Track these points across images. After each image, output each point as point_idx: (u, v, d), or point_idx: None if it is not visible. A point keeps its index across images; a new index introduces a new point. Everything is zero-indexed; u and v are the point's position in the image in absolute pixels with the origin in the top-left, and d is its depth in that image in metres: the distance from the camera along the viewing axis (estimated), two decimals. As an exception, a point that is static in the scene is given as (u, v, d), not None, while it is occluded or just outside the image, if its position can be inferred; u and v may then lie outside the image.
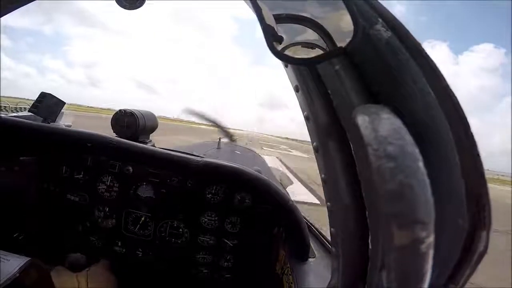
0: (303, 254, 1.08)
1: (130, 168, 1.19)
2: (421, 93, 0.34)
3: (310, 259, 1.08)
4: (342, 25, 0.35)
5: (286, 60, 0.42)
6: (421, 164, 0.27)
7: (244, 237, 1.22)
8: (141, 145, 1.24)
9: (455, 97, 0.34)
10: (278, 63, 0.45)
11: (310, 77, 0.45)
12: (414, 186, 0.26)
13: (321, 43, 0.38)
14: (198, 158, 1.20)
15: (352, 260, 0.45)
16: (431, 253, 0.27)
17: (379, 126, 0.29)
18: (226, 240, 1.22)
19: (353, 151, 0.40)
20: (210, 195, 1.19)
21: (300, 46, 0.39)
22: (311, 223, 1.39)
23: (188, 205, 1.20)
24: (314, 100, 0.45)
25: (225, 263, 1.24)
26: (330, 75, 0.42)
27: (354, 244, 0.44)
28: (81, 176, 1.21)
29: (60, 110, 1.40)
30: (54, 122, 1.38)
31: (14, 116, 1.30)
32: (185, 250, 1.23)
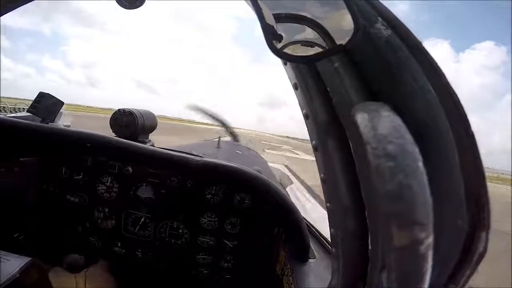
0: (303, 255, 1.08)
1: (130, 168, 1.19)
2: (422, 91, 0.33)
3: (310, 260, 1.08)
4: (341, 24, 0.35)
5: (285, 58, 0.42)
6: (420, 163, 0.27)
7: (244, 238, 1.22)
8: (140, 145, 1.24)
9: (456, 95, 0.33)
10: (278, 61, 0.44)
11: (309, 75, 0.45)
12: (413, 187, 0.26)
13: (321, 41, 0.38)
14: (198, 158, 1.20)
15: (352, 261, 0.44)
16: (430, 253, 0.26)
17: (378, 124, 0.29)
18: (226, 241, 1.22)
19: (352, 150, 0.40)
20: (209, 195, 1.19)
21: (299, 44, 0.39)
22: (311, 224, 1.38)
23: (188, 206, 1.20)
24: (313, 98, 0.45)
25: (225, 264, 1.24)
26: (329, 73, 0.42)
27: (354, 245, 0.43)
28: (81, 176, 1.20)
29: (59, 110, 1.40)
30: (53, 122, 1.37)
31: (13, 117, 1.30)
32: (185, 251, 1.23)
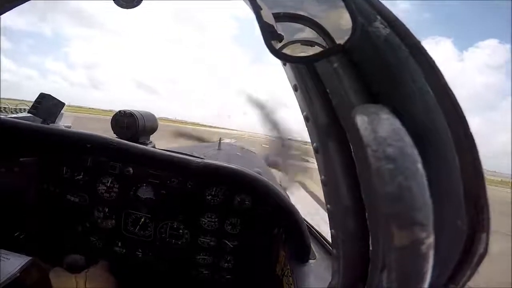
0: (303, 256, 1.07)
1: (130, 169, 1.19)
2: (420, 93, 0.33)
3: (310, 261, 1.07)
4: (340, 23, 0.35)
5: (284, 58, 0.42)
6: (420, 165, 0.27)
7: (244, 239, 1.22)
8: (141, 146, 1.24)
9: (454, 96, 0.33)
10: (278, 60, 0.44)
11: (308, 76, 0.45)
12: (413, 188, 0.26)
13: (320, 41, 0.37)
14: (198, 160, 1.20)
15: (352, 261, 0.44)
16: (431, 253, 0.26)
17: (378, 126, 0.29)
18: (226, 241, 1.22)
19: (352, 152, 0.40)
20: (210, 196, 1.19)
21: (299, 44, 0.39)
22: (311, 225, 1.38)
23: (188, 206, 1.20)
24: (313, 100, 0.45)
25: (225, 264, 1.24)
26: (328, 74, 0.41)
27: (354, 245, 0.43)
28: (81, 177, 1.21)
29: (60, 111, 1.41)
30: (54, 123, 1.38)
31: (14, 118, 1.30)
32: (185, 251, 1.23)
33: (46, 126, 1.28)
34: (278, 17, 0.37)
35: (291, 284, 0.97)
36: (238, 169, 1.19)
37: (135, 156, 1.20)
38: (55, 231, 1.24)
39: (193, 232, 1.22)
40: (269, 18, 0.36)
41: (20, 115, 1.51)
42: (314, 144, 0.48)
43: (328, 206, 0.49)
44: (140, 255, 1.24)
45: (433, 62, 0.34)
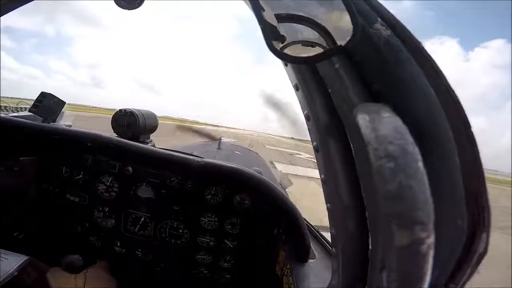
0: (303, 255, 1.07)
1: (130, 168, 1.19)
2: (422, 92, 0.33)
3: (310, 260, 1.07)
4: (342, 24, 0.35)
5: (285, 58, 0.42)
6: (420, 164, 0.27)
7: (244, 238, 1.22)
8: (141, 145, 1.24)
9: (456, 96, 0.33)
10: (280, 60, 0.44)
11: (310, 76, 0.45)
12: (414, 187, 0.26)
13: (321, 41, 0.38)
14: (198, 159, 1.20)
15: (352, 261, 0.44)
16: (431, 253, 0.26)
17: (379, 125, 0.29)
18: (226, 241, 1.22)
19: (353, 151, 0.40)
20: (210, 195, 1.19)
21: (300, 44, 0.39)
22: (311, 224, 1.38)
23: (188, 206, 1.20)
24: (314, 99, 0.45)
25: (225, 264, 1.24)
26: (330, 74, 0.42)
27: (354, 245, 0.43)
28: (81, 176, 1.21)
29: (61, 110, 1.41)
30: (55, 122, 1.38)
31: (14, 116, 1.30)
32: (185, 250, 1.23)
33: (46, 125, 1.28)
34: (280, 17, 0.37)
35: (291, 284, 0.97)
36: (238, 168, 1.19)
37: (135, 155, 1.19)
38: (54, 230, 1.24)
39: (192, 232, 1.22)
40: (271, 19, 0.36)
41: (20, 114, 1.51)
42: (314, 143, 0.48)
43: (328, 205, 0.49)
44: (139, 255, 1.24)
45: (434, 62, 0.34)
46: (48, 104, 1.35)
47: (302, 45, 0.39)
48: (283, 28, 0.38)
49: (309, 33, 0.39)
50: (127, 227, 1.22)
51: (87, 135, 1.20)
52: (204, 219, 1.20)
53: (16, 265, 0.91)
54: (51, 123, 1.34)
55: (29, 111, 1.37)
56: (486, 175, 0.34)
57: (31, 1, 0.70)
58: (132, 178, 1.20)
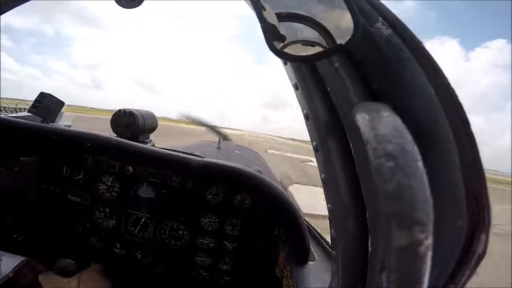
0: (303, 257, 1.07)
1: (130, 168, 1.18)
2: (422, 92, 0.33)
3: (309, 262, 1.07)
4: (342, 23, 0.35)
5: (285, 57, 0.42)
6: (420, 163, 0.27)
7: (244, 239, 1.21)
8: (140, 145, 1.24)
9: (456, 95, 0.33)
10: (280, 60, 0.44)
11: (309, 75, 0.45)
12: (413, 186, 0.25)
13: (321, 41, 0.38)
14: (199, 158, 1.20)
15: (352, 263, 0.44)
16: (430, 254, 0.26)
17: (379, 124, 0.29)
18: (226, 243, 1.21)
19: (352, 150, 0.40)
20: (210, 196, 1.19)
21: (300, 44, 0.39)
22: (311, 226, 1.38)
23: (188, 206, 1.20)
24: (314, 98, 0.45)
25: (225, 266, 1.23)
26: (329, 73, 0.42)
27: (354, 246, 0.43)
28: (81, 176, 1.20)
29: (60, 110, 1.40)
30: (54, 122, 1.38)
31: (13, 117, 1.30)
32: (184, 252, 1.23)
33: (46, 125, 1.28)
34: (280, 16, 0.37)
35: (290, 286, 0.97)
36: (239, 167, 1.18)
37: (135, 155, 1.19)
38: (55, 231, 1.24)
39: (192, 233, 1.21)
40: (272, 18, 0.36)
41: (20, 114, 1.51)
42: (314, 143, 0.48)
43: (329, 205, 0.49)
44: (139, 257, 1.24)
45: (435, 62, 0.34)
46: (47, 105, 1.35)
47: (302, 44, 0.39)
48: (283, 27, 0.38)
49: (309, 33, 0.39)
50: (128, 228, 1.22)
51: (87, 135, 1.19)
52: (204, 219, 1.20)
53: (11, 266, 0.90)
54: (50, 123, 1.34)
55: (28, 111, 1.37)
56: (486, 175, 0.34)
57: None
58: (133, 178, 1.19)
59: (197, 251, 1.23)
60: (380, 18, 0.36)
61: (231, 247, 1.22)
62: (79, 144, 1.18)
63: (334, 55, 0.39)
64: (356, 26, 0.33)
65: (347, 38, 0.34)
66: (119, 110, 1.36)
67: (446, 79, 0.34)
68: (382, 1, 0.38)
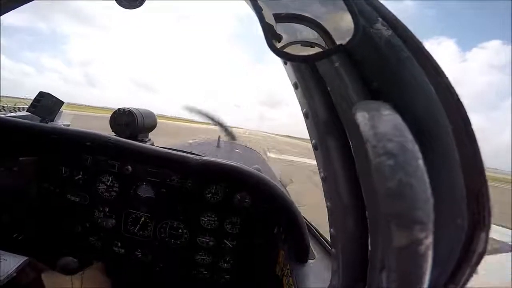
0: (303, 256, 1.07)
1: (129, 167, 1.18)
2: (422, 90, 0.33)
3: (310, 261, 1.07)
4: (342, 24, 0.35)
5: (286, 57, 0.42)
6: (421, 162, 0.26)
7: (244, 238, 1.21)
8: (139, 144, 1.24)
9: (457, 94, 0.33)
10: (279, 59, 0.44)
11: (309, 74, 0.45)
12: (414, 185, 0.25)
13: (321, 41, 0.38)
14: (198, 157, 1.19)
15: (352, 261, 0.44)
16: (430, 253, 0.26)
17: (378, 122, 0.28)
18: (225, 241, 1.22)
19: (352, 149, 0.40)
20: (210, 194, 1.19)
21: (299, 44, 0.39)
22: (311, 224, 1.38)
23: (188, 205, 1.20)
24: (314, 97, 0.45)
25: (225, 265, 1.24)
26: (329, 72, 0.42)
27: (354, 245, 0.43)
28: (81, 176, 1.20)
29: (59, 110, 1.40)
30: (53, 121, 1.37)
31: (12, 116, 1.30)
32: (184, 251, 1.23)
33: (45, 124, 1.27)
34: (280, 17, 0.37)
35: (291, 285, 0.97)
36: (238, 166, 1.18)
37: (134, 154, 1.19)
38: (55, 231, 1.24)
39: (192, 232, 1.21)
40: (270, 19, 0.36)
41: (19, 113, 1.51)
42: (313, 141, 0.48)
43: (328, 203, 0.49)
44: (139, 255, 1.24)
45: (435, 61, 0.34)
46: (46, 104, 1.35)
47: (301, 45, 0.39)
48: (283, 28, 0.38)
49: (309, 33, 0.39)
50: (127, 227, 1.22)
51: (86, 134, 1.19)
52: (204, 218, 1.20)
53: (15, 266, 0.90)
54: (49, 123, 1.34)
55: (27, 110, 1.37)
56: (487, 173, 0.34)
57: (30, 0, 0.69)
58: (132, 177, 1.19)
59: (197, 249, 1.23)
60: (380, 19, 0.36)
61: (231, 246, 1.22)
62: (79, 144, 1.18)
63: (334, 54, 0.39)
64: (356, 27, 0.33)
65: (348, 38, 0.34)
66: (118, 109, 1.36)
67: (446, 78, 0.34)
68: (382, 1, 0.38)
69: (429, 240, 0.26)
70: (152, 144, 1.40)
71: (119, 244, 1.24)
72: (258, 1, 0.35)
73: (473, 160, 0.33)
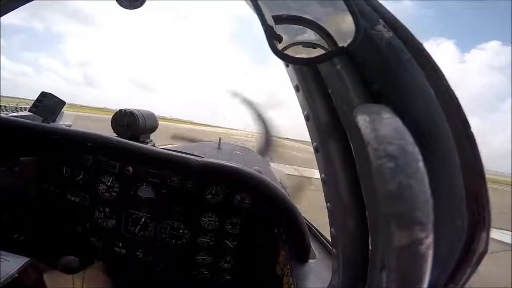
0: (303, 255, 1.07)
1: (130, 168, 1.18)
2: (422, 93, 0.34)
3: (310, 260, 1.07)
4: (343, 26, 0.35)
5: (287, 60, 0.42)
6: (421, 164, 0.27)
7: (244, 238, 1.21)
8: (141, 145, 1.24)
9: (456, 97, 0.34)
10: (279, 61, 0.45)
11: (311, 77, 0.45)
12: (414, 187, 0.26)
13: (322, 43, 0.38)
14: (198, 158, 1.19)
15: (352, 261, 0.45)
16: (430, 253, 0.27)
17: (379, 125, 0.29)
18: (226, 241, 1.22)
19: (353, 151, 0.40)
20: (210, 195, 1.19)
21: (301, 46, 0.39)
22: (311, 224, 1.38)
23: (188, 206, 1.20)
24: (315, 100, 0.45)
25: (225, 265, 1.24)
26: (331, 75, 0.42)
27: (354, 245, 0.44)
28: (81, 176, 1.20)
29: (61, 110, 1.40)
30: (54, 122, 1.38)
31: (14, 116, 1.30)
32: (185, 251, 1.23)
33: (46, 125, 1.27)
34: (282, 19, 0.37)
35: (291, 284, 0.97)
36: (238, 167, 1.18)
37: (135, 155, 1.19)
38: (55, 231, 1.24)
39: (193, 232, 1.21)
40: (271, 21, 0.36)
41: (20, 113, 1.51)
42: (314, 143, 0.48)
43: (328, 204, 0.49)
44: (140, 256, 1.24)
45: (435, 64, 0.34)
46: (48, 104, 1.35)
47: (303, 46, 0.39)
48: (284, 30, 0.38)
49: (310, 35, 0.39)
50: (128, 227, 1.22)
51: (87, 135, 1.19)
52: (204, 219, 1.20)
53: (16, 267, 0.91)
54: (51, 123, 1.34)
55: (29, 111, 1.37)
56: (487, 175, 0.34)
57: (30, 1, 0.70)
58: (133, 178, 1.19)
59: (197, 249, 1.23)
60: (381, 21, 0.36)
61: (231, 246, 1.22)
62: (80, 144, 1.18)
63: (336, 57, 0.39)
64: (357, 29, 0.33)
65: (349, 40, 0.34)
66: (119, 110, 1.36)
67: (446, 80, 0.34)
68: (381, 1, 0.38)
69: (429, 240, 0.26)
70: (154, 145, 1.40)
71: (120, 245, 1.24)
72: (259, 3, 0.35)
73: (473, 162, 0.33)
